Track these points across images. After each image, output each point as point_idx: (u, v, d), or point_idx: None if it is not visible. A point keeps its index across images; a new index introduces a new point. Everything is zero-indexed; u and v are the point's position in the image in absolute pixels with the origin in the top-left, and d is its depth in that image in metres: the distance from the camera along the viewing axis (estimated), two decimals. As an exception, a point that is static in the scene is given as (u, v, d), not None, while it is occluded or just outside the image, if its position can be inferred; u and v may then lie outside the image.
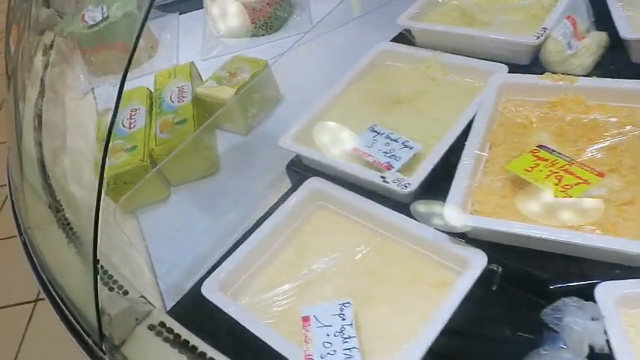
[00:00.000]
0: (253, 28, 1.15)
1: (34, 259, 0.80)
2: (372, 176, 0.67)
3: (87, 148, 1.00)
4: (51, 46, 1.26)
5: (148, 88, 0.98)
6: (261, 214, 0.78)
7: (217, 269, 0.67)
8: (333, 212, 0.72)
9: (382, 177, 0.66)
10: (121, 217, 0.87)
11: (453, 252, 0.62)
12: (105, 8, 1.16)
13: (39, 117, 1.04)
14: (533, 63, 0.77)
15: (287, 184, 0.82)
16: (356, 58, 0.98)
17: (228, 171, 0.89)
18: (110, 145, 0.86)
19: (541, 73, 0.74)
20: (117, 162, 0.84)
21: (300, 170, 0.78)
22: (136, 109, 0.93)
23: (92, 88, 1.16)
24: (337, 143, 0.74)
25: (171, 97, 0.93)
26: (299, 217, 0.72)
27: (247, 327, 0.59)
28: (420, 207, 0.67)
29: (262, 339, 0.58)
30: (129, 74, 1.20)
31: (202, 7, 1.30)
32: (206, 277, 0.70)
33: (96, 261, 0.60)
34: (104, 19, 1.13)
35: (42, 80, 1.16)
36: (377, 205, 0.68)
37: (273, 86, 0.97)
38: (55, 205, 0.86)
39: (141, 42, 1.17)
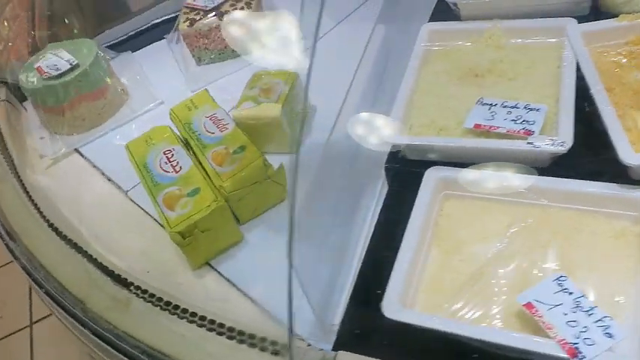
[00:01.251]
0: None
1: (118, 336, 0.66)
2: (516, 145, 0.63)
3: (114, 212, 0.85)
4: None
5: (168, 127, 0.85)
6: (372, 225, 0.71)
7: (389, 288, 0.58)
8: (466, 198, 0.67)
9: (529, 143, 0.62)
10: (193, 274, 0.75)
11: (627, 198, 0.60)
12: (67, 55, 1.00)
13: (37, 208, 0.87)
14: (591, 13, 0.78)
15: (379, 187, 0.76)
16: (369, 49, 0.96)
17: (298, 194, 0.80)
18: (162, 194, 0.74)
19: (600, 20, 0.76)
20: (185, 210, 0.71)
21: (403, 166, 0.72)
22: (170, 150, 0.80)
23: (75, 149, 0.99)
24: (450, 125, 0.69)
25: (206, 128, 0.81)
26: (432, 213, 0.66)
27: (476, 337, 0.52)
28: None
29: (500, 342, 0.51)
30: (112, 123, 1.04)
31: (159, 40, 1.19)
32: (354, 305, 0.62)
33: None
34: (73, 67, 0.97)
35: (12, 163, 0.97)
36: (519, 176, 0.64)
37: (305, 96, 0.90)
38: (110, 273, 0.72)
39: (112, 88, 1.03)
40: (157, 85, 1.08)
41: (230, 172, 0.74)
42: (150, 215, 0.84)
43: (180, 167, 0.77)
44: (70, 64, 0.98)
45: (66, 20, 1.15)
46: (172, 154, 0.79)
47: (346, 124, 0.85)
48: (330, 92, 0.92)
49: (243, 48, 1.05)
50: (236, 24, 1.03)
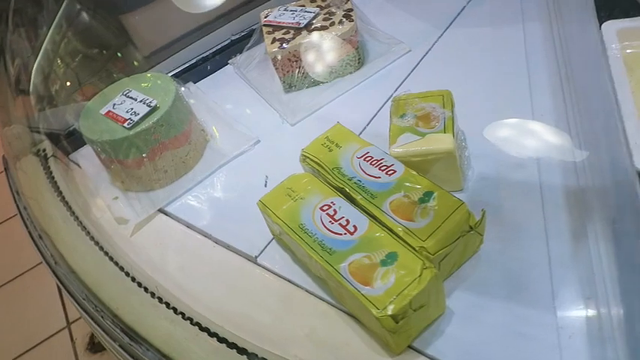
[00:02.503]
0: (339, 67, 0.90)
1: None
2: None
3: (246, 286, 0.68)
4: (53, 181, 0.86)
5: (310, 174, 0.69)
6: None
7: None
8: None
9: None
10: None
11: None
12: (140, 94, 0.81)
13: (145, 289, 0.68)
14: None
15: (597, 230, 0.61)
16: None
17: (491, 238, 0.64)
18: (345, 265, 0.58)
19: None
20: (388, 285, 0.55)
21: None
22: (328, 205, 0.63)
23: (159, 210, 0.80)
24: None
25: (365, 172, 0.65)
26: None
27: None
28: None
29: None
30: (201, 172, 0.85)
31: (219, 69, 1.02)
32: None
33: None
34: (154, 109, 0.79)
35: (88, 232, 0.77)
36: None
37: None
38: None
39: (195, 129, 0.86)
40: (240, 120, 0.91)
41: (428, 228, 0.59)
42: (299, 286, 0.67)
43: (355, 227, 0.60)
44: (149, 106, 0.80)
45: (119, 54, 0.97)
46: (335, 210, 0.63)
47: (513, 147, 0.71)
48: (469, 110, 0.78)
49: (345, 68, 0.90)
50: (336, 40, 0.87)
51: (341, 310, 0.63)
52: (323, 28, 0.87)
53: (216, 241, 0.75)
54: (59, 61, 0.88)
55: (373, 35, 0.93)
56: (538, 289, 0.59)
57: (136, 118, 0.78)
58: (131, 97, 0.82)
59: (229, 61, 1.02)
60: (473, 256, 0.64)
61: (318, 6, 0.92)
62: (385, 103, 0.84)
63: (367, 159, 0.67)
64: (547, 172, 0.69)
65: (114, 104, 0.82)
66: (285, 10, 0.92)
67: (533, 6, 0.92)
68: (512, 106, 0.78)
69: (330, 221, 0.62)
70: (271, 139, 0.86)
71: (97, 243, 0.76)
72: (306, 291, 0.66)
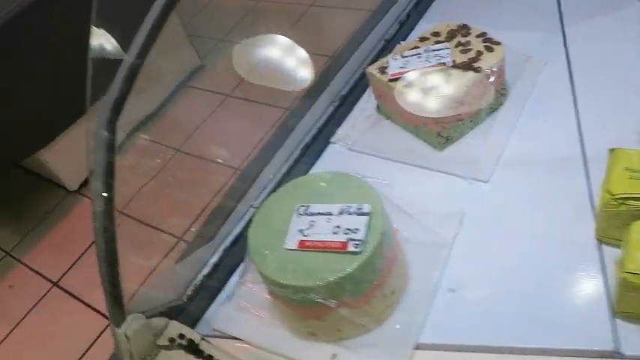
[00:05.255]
0: (494, 100, 0.76)
1: None
2: None
3: None
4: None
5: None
6: None
7: None
8: None
9: None
10: None
11: None
12: (331, 207, 0.59)
13: None
14: None
15: None
16: None
17: None
18: None
19: None
20: None
21: None
22: None
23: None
24: None
25: None
26: None
27: None
28: None
29: None
30: (420, 277, 0.66)
31: (320, 154, 0.82)
32: None
33: None
34: (369, 216, 0.57)
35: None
36: None
37: None
38: None
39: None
40: (404, 197, 0.70)
41: None
42: None
43: None
44: (363, 214, 0.57)
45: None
46: None
47: None
48: None
49: (498, 99, 0.76)
50: (491, 71, 0.73)
51: None
52: (472, 61, 0.73)
53: (529, 352, 0.55)
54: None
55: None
56: None
57: (359, 236, 0.55)
58: (321, 213, 0.59)
59: (332, 140, 0.82)
60: None
61: (436, 42, 0.77)
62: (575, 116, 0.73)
63: None
64: None
65: (300, 230, 0.58)
66: (402, 56, 0.76)
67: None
68: None
69: None
70: (474, 205, 0.68)
71: None
72: None
